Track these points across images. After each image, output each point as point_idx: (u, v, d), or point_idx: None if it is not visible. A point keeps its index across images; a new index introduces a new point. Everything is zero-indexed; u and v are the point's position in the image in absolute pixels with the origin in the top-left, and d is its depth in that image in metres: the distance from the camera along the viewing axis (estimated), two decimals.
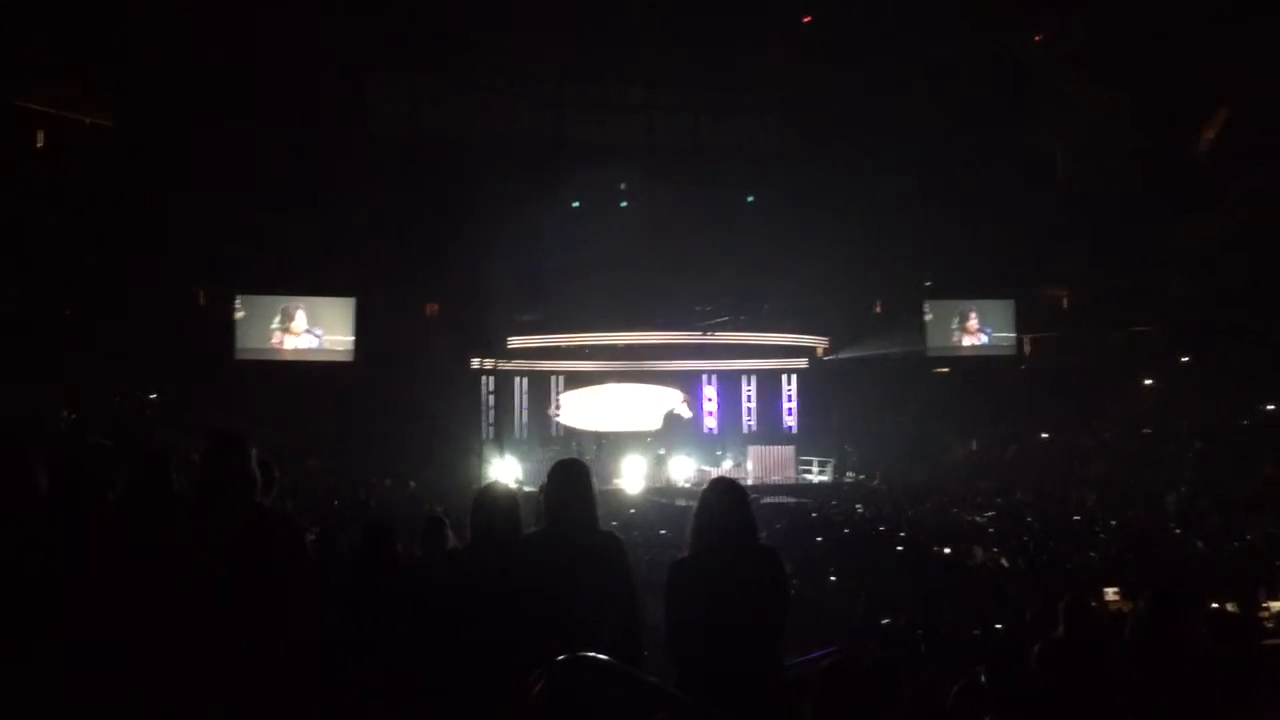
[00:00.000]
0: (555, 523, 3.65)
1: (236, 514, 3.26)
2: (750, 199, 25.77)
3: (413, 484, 19.54)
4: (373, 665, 3.65)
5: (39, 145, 20.48)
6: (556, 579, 3.44)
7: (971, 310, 27.28)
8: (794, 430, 26.66)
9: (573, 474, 3.74)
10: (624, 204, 25.58)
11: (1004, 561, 12.17)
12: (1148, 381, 25.30)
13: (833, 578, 10.89)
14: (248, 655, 3.02)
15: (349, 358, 23.72)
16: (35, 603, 2.98)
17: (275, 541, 3.30)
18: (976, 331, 27.27)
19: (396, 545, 4.54)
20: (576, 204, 24.46)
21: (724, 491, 3.66)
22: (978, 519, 16.19)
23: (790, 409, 26.90)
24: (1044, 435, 25.22)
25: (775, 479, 24.70)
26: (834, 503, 19.35)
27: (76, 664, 2.93)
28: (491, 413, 24.96)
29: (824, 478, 25.02)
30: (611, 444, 24.78)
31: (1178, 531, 13.87)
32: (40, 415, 16.00)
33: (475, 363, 24.73)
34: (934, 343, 27.03)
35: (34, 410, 16.08)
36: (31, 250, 18.90)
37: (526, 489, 17.21)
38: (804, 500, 20.11)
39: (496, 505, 3.75)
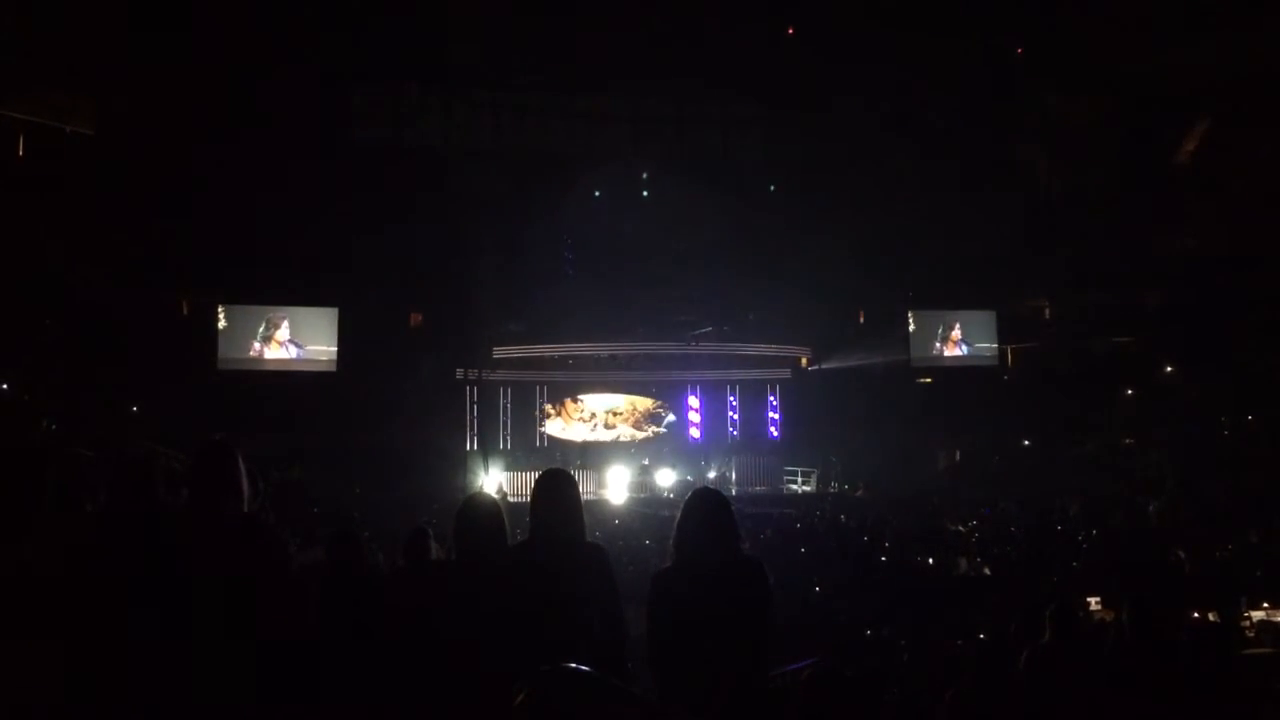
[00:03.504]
0: (541, 533, 3.64)
1: (222, 523, 3.25)
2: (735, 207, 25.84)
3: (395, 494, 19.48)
4: (350, 676, 3.63)
5: (19, 154, 20.36)
6: (541, 589, 3.43)
7: (954, 321, 27.40)
8: (778, 440, 26.71)
9: (560, 484, 3.73)
10: (609, 214, 25.59)
11: (987, 571, 12.21)
12: (1129, 392, 25.45)
13: (817, 588, 10.89)
14: (230, 664, 3.00)
15: (332, 368, 23.64)
16: (42, 606, 2.97)
17: (260, 551, 3.28)
18: (959, 342, 27.40)
19: (376, 554, 4.52)
20: (561, 213, 24.46)
21: (707, 502, 3.65)
22: (961, 529, 16.23)
23: (774, 419, 26.94)
24: (1027, 445, 25.33)
25: (759, 489, 24.76)
26: (818, 513, 19.37)
27: (72, 669, 2.92)
28: (476, 423, 24.92)
29: (808, 488, 25.06)
30: (596, 454, 24.77)
31: (1159, 541, 13.92)
32: (21, 424, 15.85)
33: (459, 373, 24.68)
34: (917, 353, 27.13)
35: (15, 419, 15.96)
36: (10, 259, 18.78)
37: (511, 499, 17.23)
38: (788, 510, 20.13)
39: (481, 516, 3.73)
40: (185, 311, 23.40)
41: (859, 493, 23.61)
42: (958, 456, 26.25)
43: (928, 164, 23.64)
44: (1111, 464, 22.66)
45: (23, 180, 19.73)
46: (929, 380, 27.69)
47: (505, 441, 25.22)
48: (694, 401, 26.50)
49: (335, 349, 23.74)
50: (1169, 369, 25.16)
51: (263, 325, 23.44)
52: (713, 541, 3.52)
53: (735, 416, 26.87)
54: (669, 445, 25.85)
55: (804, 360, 27.06)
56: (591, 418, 26.00)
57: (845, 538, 14.92)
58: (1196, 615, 7.94)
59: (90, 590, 3.03)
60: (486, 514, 3.72)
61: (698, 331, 25.29)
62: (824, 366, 26.70)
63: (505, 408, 25.45)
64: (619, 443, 25.69)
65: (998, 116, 24.84)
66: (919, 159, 23.58)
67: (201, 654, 2.99)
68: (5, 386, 17.97)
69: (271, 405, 21.03)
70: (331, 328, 23.85)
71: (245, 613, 3.08)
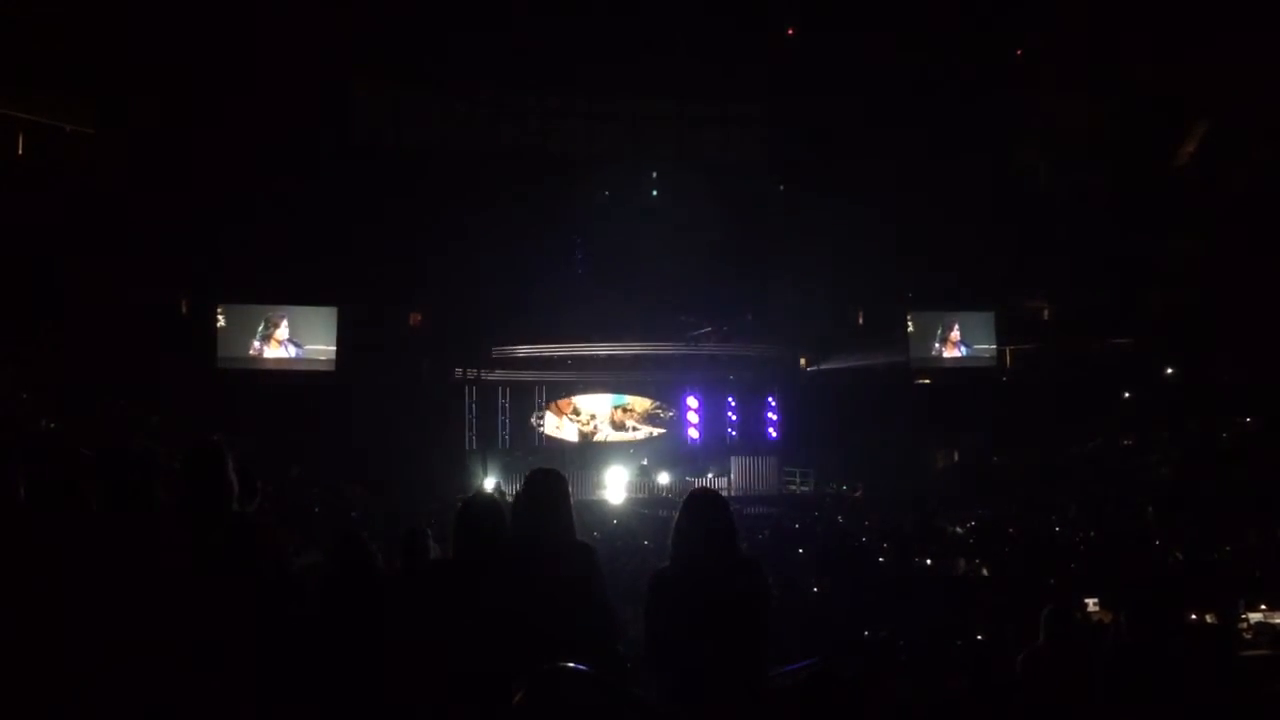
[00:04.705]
0: (529, 532, 3.64)
1: (216, 523, 3.25)
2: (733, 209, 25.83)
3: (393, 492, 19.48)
4: (350, 676, 3.63)
5: (19, 152, 20.35)
6: (532, 589, 3.43)
7: (954, 322, 27.39)
8: (777, 441, 26.69)
9: (548, 483, 3.72)
10: (609, 214, 25.58)
11: (985, 572, 12.22)
12: (1127, 394, 25.43)
13: (815, 589, 10.90)
14: (228, 665, 3.00)
15: (331, 367, 23.63)
16: (28, 609, 2.97)
17: (255, 551, 3.28)
18: (958, 343, 27.39)
19: (375, 555, 4.51)
20: (562, 213, 24.45)
21: (705, 502, 3.65)
22: (959, 530, 16.25)
23: (773, 420, 26.92)
24: (1026, 445, 25.31)
25: (758, 490, 24.75)
26: (816, 514, 19.40)
27: (70, 669, 2.92)
28: (474, 423, 24.91)
29: (806, 489, 25.06)
30: (595, 454, 24.76)
31: (1157, 543, 13.94)
32: (20, 423, 15.84)
33: (459, 373, 24.68)
34: (916, 354, 27.10)
35: (13, 418, 15.94)
36: (10, 258, 18.77)
37: (510, 499, 17.27)
38: (786, 511, 20.15)
39: (480, 516, 3.73)
40: (185, 311, 23.35)
41: (858, 494, 23.62)
42: (957, 457, 26.24)
43: (928, 164, 23.64)
44: (1111, 465, 22.66)
45: (23, 179, 19.72)
46: (928, 381, 27.66)
47: (504, 441, 25.21)
48: (693, 402, 26.48)
49: (334, 349, 23.71)
50: (1169, 369, 25.15)
51: (262, 325, 23.42)
52: (710, 542, 3.52)
53: (734, 417, 26.84)
54: (668, 446, 25.84)
55: (803, 361, 27.04)
56: (591, 419, 25.97)
57: (843, 539, 14.94)
58: (1194, 617, 7.94)
59: (88, 590, 3.03)
60: (486, 514, 3.72)
61: (697, 332, 25.28)
62: (823, 367, 26.67)
63: (504, 408, 25.43)
64: (618, 443, 25.69)
65: (998, 116, 24.82)
66: (919, 159, 23.58)
67: (200, 655, 2.99)
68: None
69: (271, 405, 21.01)
70: (331, 327, 23.83)
71: (243, 613, 3.08)
